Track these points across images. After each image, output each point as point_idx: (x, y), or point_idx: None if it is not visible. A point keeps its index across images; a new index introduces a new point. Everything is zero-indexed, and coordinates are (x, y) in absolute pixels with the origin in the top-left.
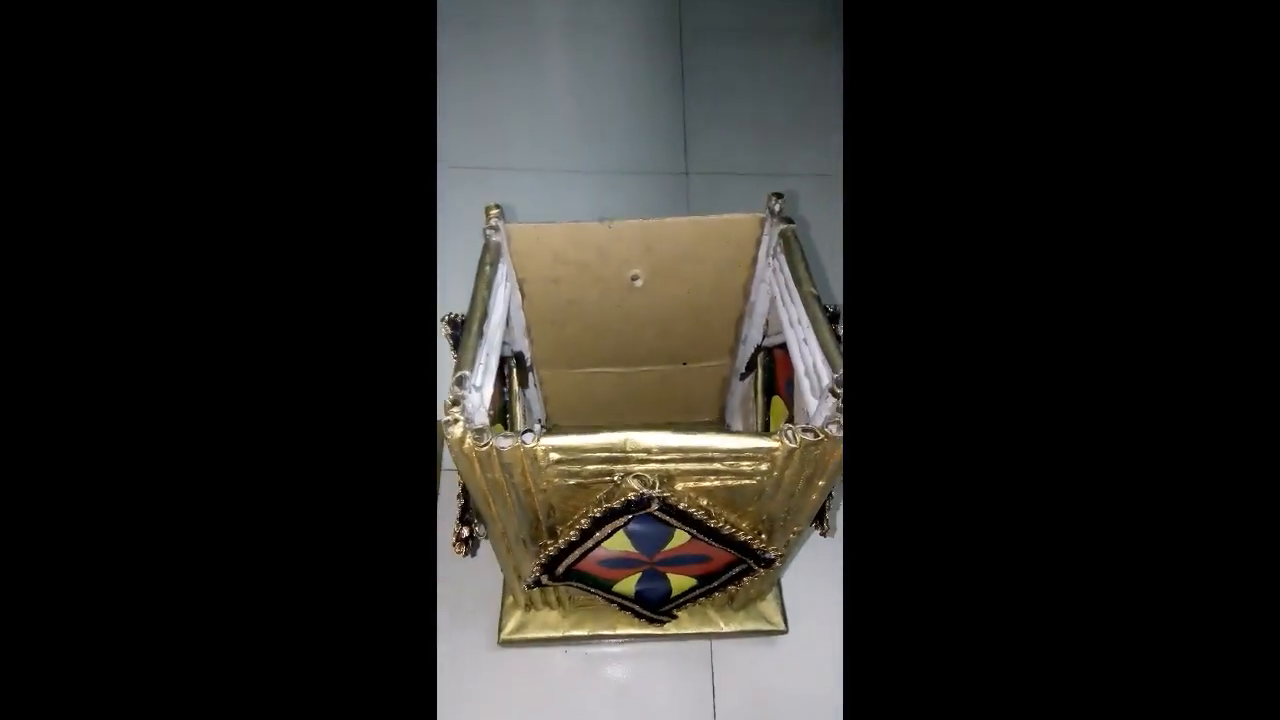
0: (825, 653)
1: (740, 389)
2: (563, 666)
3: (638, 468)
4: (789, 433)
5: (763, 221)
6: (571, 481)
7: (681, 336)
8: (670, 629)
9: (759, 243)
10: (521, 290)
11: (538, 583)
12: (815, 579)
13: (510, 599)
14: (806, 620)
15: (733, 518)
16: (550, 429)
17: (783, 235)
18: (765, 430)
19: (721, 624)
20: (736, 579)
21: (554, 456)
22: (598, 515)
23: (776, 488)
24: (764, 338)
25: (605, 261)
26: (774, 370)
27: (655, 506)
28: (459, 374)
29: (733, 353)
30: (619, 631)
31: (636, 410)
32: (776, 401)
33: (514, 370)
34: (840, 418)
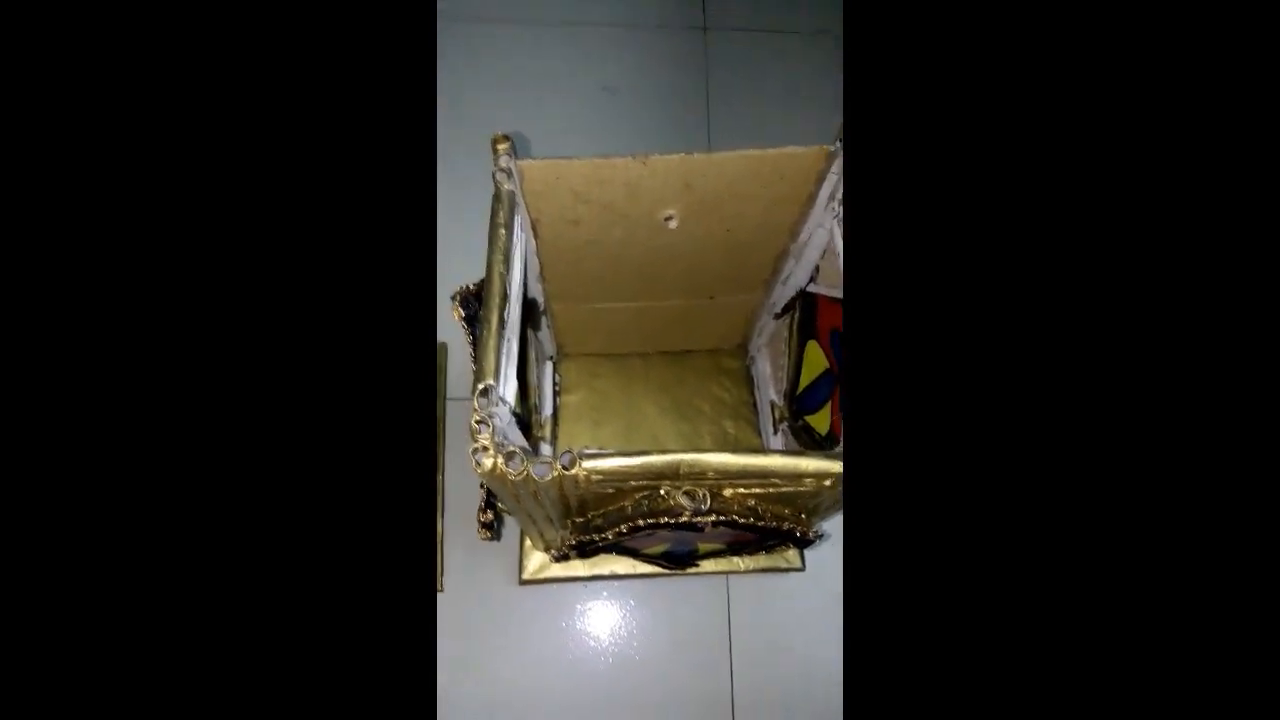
0: (836, 586)
1: (771, 326)
2: (584, 599)
3: (687, 484)
4: None
5: (830, 155)
6: (610, 490)
7: (712, 272)
8: (691, 570)
9: (820, 179)
10: (535, 232)
11: (565, 557)
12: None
13: (529, 542)
14: (820, 555)
15: (778, 510)
16: (560, 359)
17: None
18: (796, 371)
19: (740, 564)
20: (768, 549)
21: (596, 478)
22: (639, 525)
23: (834, 494)
24: (810, 282)
25: (634, 200)
26: (814, 314)
27: (708, 529)
28: (483, 384)
29: (766, 286)
30: (640, 571)
31: (653, 340)
32: (813, 348)
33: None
34: None
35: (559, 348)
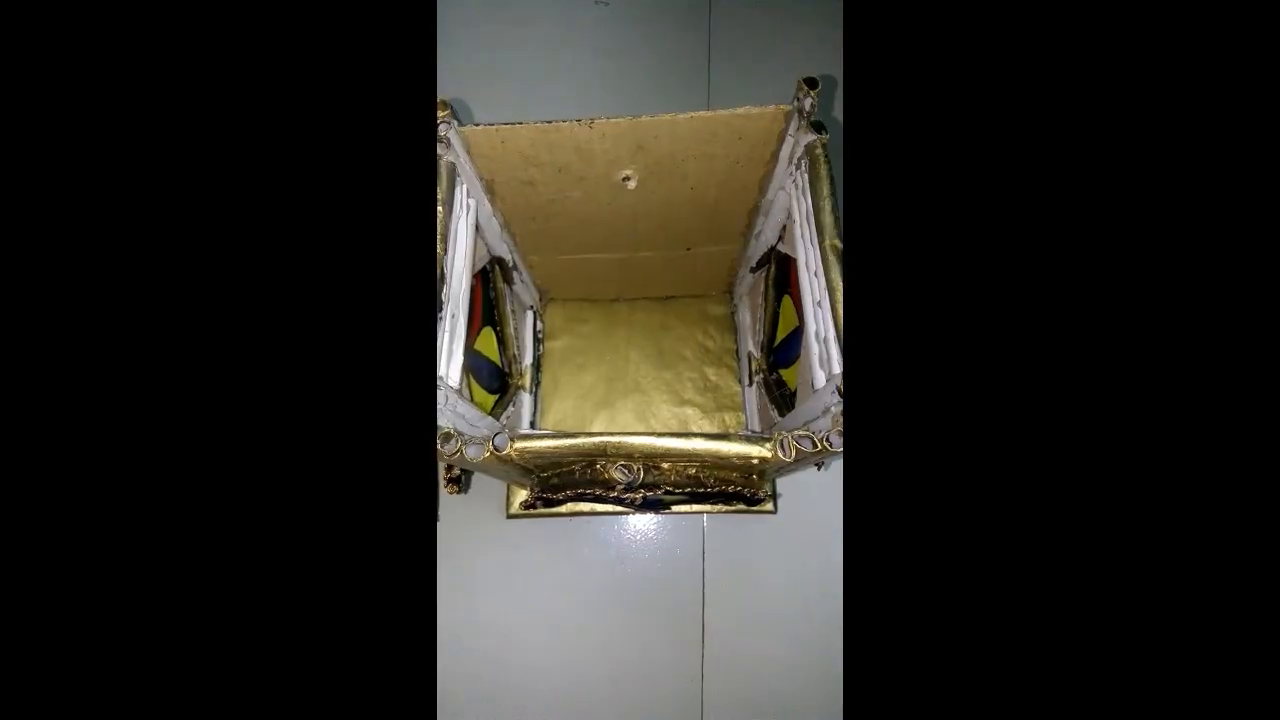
0: (806, 530)
1: (750, 279)
2: (566, 533)
3: (621, 460)
4: (784, 444)
5: (787, 115)
6: (551, 459)
7: (684, 225)
8: (663, 513)
9: (781, 138)
10: (491, 190)
11: (533, 506)
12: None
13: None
14: (793, 500)
15: (725, 475)
16: (545, 304)
17: (809, 152)
18: (773, 323)
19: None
20: (727, 501)
21: (529, 457)
22: (585, 493)
23: (770, 466)
24: (779, 241)
25: (587, 163)
26: (789, 270)
27: (640, 499)
28: None
29: (743, 238)
30: (617, 509)
31: (638, 286)
32: (787, 303)
33: (496, 272)
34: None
35: (544, 292)
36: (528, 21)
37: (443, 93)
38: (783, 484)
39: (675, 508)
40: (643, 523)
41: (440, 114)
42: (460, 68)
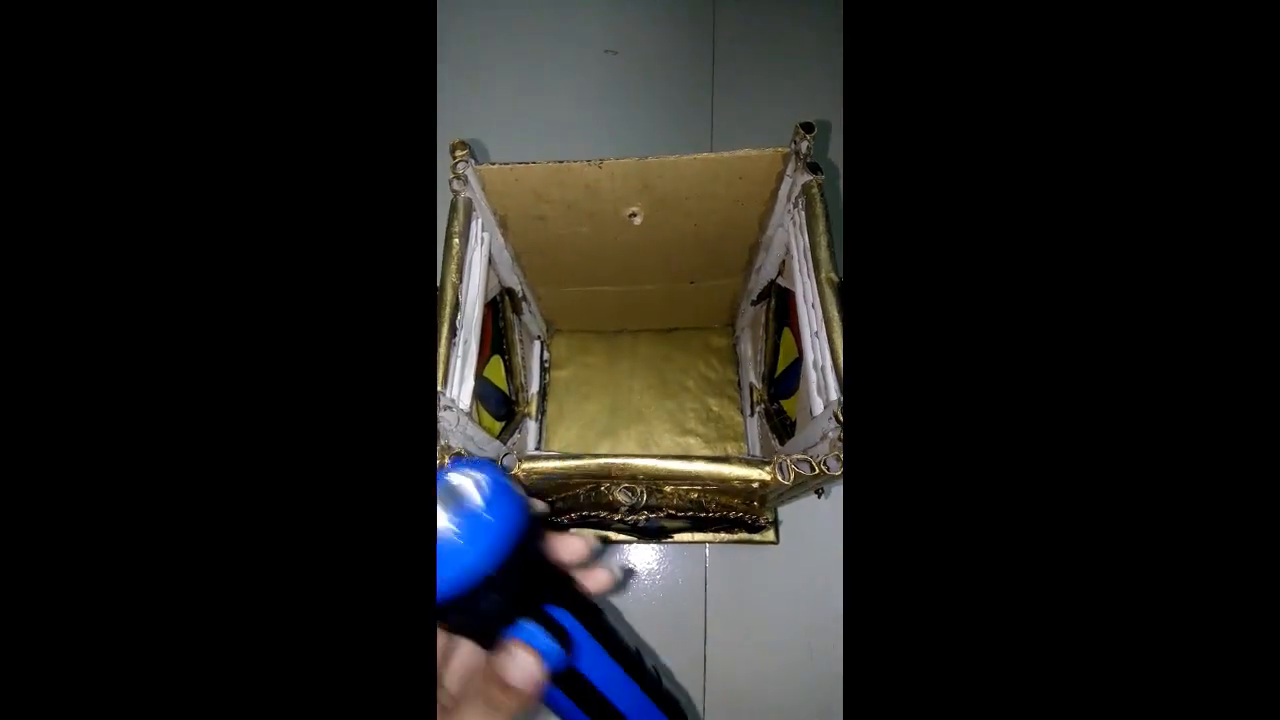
0: (812, 560)
1: (751, 311)
2: None
3: (625, 482)
4: (783, 467)
5: (785, 157)
6: (556, 481)
7: (687, 261)
8: (665, 541)
9: (780, 178)
10: (504, 224)
11: None
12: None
13: None
14: (796, 531)
15: (726, 501)
16: (552, 335)
17: (806, 191)
18: (774, 355)
19: (713, 536)
20: (729, 529)
21: (535, 477)
22: (587, 515)
23: (776, 490)
24: (779, 275)
25: (595, 199)
26: (788, 303)
27: (643, 520)
28: None
29: (744, 272)
30: (620, 538)
31: (641, 318)
32: (788, 336)
33: (505, 302)
34: (841, 448)
35: (551, 323)
36: (543, 68)
37: (462, 134)
38: (785, 515)
39: (677, 536)
40: (644, 553)
41: (459, 153)
42: (478, 110)
